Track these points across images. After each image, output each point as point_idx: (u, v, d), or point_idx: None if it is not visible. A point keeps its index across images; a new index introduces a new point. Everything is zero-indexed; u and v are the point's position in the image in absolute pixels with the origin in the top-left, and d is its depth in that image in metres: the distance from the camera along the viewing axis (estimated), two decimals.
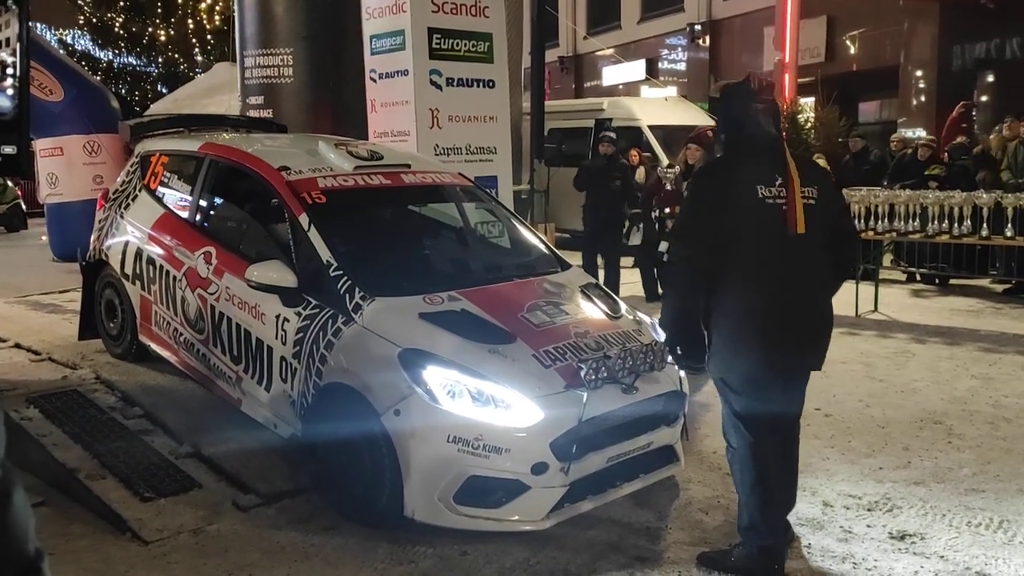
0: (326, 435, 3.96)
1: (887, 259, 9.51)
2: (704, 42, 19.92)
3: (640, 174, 9.78)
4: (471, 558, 3.55)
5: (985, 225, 7.80)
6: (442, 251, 5.25)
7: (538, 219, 11.98)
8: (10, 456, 1.10)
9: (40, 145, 8.41)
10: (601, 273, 8.83)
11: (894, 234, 8.42)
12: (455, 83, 6.80)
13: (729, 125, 3.52)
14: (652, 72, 20.35)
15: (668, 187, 7.67)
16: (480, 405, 3.58)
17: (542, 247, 5.13)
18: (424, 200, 5.37)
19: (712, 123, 10.85)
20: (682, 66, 20.83)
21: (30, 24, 1.28)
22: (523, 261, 5.05)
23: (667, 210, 6.27)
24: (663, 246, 6.36)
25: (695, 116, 14.01)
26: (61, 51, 18.49)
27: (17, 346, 6.73)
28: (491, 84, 7.03)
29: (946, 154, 10.46)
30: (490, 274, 4.78)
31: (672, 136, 12.44)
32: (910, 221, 8.31)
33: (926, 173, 9.93)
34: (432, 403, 3.56)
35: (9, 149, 1.26)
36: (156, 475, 4.30)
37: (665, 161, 12.03)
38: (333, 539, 3.71)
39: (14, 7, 1.28)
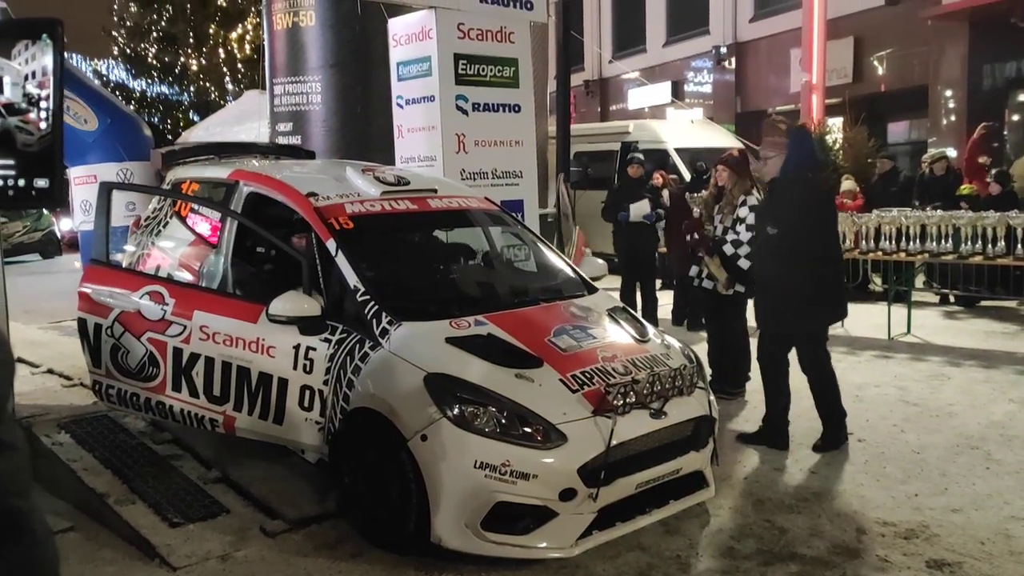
0: (353, 460, 3.96)
1: (919, 281, 9.37)
2: (730, 64, 19.89)
3: (665, 197, 9.67)
4: None
5: (1020, 245, 7.66)
6: (468, 275, 5.25)
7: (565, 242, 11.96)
8: (53, 489, 1.10)
9: (74, 173, 8.54)
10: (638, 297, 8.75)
11: (926, 255, 8.30)
12: (481, 108, 6.84)
13: (808, 157, 5.18)
14: (678, 94, 20.34)
15: (695, 213, 7.62)
16: (507, 430, 3.55)
17: (568, 271, 5.11)
18: (450, 225, 5.37)
19: (738, 144, 10.84)
20: (708, 88, 20.79)
21: (65, 55, 1.30)
22: (549, 285, 5.03)
23: (696, 236, 6.23)
24: (693, 270, 6.31)
25: (721, 138, 13.96)
26: (96, 81, 18.89)
27: (50, 371, 6.83)
28: (517, 109, 7.06)
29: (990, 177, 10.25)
30: (516, 298, 4.77)
31: (698, 158, 12.41)
32: (942, 242, 8.19)
33: (957, 194, 9.80)
34: (459, 428, 3.54)
35: (42, 182, 1.27)
36: (185, 500, 4.32)
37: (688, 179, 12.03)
38: (360, 565, 3.69)
39: (48, 41, 1.30)
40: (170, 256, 5.22)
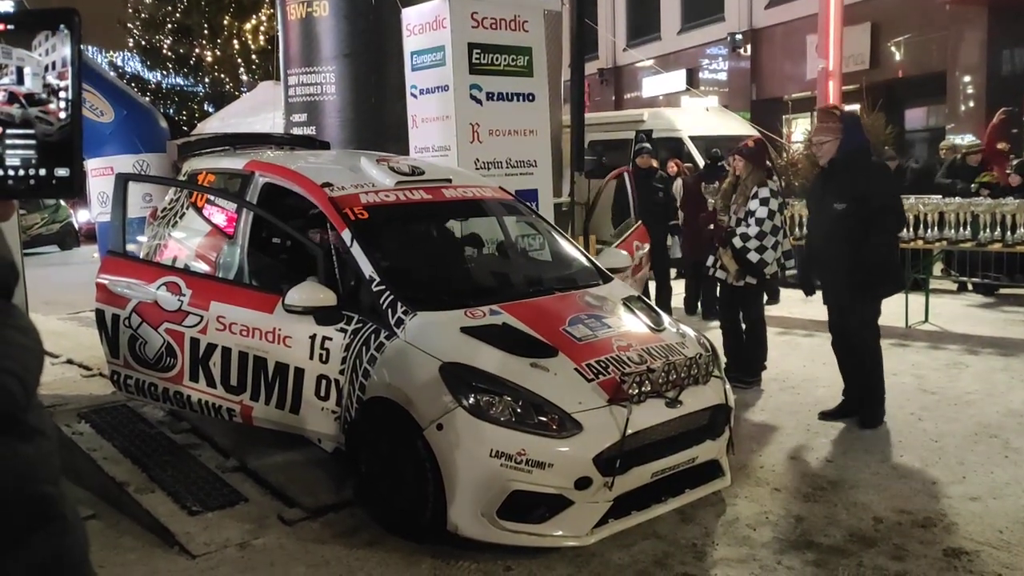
0: (370, 449, 3.98)
1: (937, 268, 9.29)
2: (745, 51, 19.73)
3: (677, 186, 9.62)
4: (515, 573, 3.53)
5: None
6: (483, 265, 5.26)
7: (579, 232, 11.94)
8: (73, 478, 1.13)
9: (91, 165, 8.59)
10: (652, 285, 8.73)
11: (944, 243, 8.23)
12: (495, 97, 6.81)
13: (864, 139, 5.42)
14: (693, 82, 20.20)
15: (710, 204, 7.57)
16: (522, 419, 3.56)
17: (583, 260, 5.11)
18: (465, 214, 5.38)
19: (753, 133, 10.79)
20: (723, 76, 20.65)
21: (82, 46, 1.31)
22: (564, 274, 5.03)
23: (711, 227, 6.22)
24: (710, 260, 6.30)
25: (736, 126, 13.87)
26: (112, 73, 18.99)
27: (69, 362, 6.90)
28: (531, 98, 7.04)
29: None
30: (531, 287, 4.77)
31: (713, 146, 12.34)
32: (961, 229, 8.11)
33: (976, 181, 9.70)
34: (474, 417, 3.56)
35: (63, 171, 1.29)
36: (203, 489, 4.36)
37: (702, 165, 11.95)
38: (377, 553, 3.72)
39: (65, 31, 1.31)
40: (186, 247, 5.25)
